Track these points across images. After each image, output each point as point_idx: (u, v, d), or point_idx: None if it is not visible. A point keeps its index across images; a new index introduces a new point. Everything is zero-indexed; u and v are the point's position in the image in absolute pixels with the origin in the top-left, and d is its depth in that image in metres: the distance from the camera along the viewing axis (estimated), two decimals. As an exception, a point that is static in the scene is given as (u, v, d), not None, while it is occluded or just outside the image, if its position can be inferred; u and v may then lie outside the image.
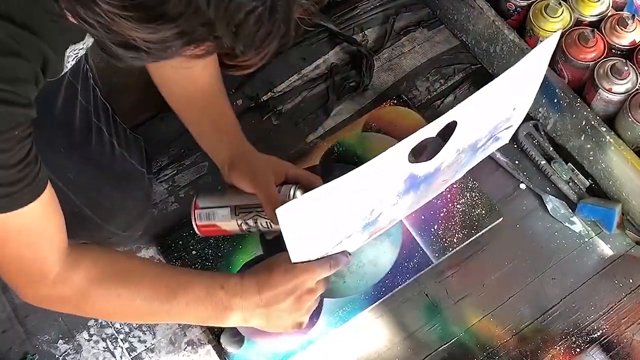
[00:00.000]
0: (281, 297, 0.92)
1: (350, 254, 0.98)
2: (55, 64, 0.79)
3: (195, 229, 1.06)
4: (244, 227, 1.03)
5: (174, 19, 0.58)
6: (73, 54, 0.84)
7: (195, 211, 1.05)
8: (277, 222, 0.85)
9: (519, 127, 1.32)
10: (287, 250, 0.89)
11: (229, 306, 0.92)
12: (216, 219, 1.04)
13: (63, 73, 0.86)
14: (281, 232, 0.83)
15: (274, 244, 1.21)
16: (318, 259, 0.94)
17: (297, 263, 0.92)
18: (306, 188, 1.04)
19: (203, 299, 0.91)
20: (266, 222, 1.03)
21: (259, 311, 0.93)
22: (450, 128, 0.88)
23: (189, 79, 1.05)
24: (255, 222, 1.03)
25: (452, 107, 1.33)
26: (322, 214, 0.86)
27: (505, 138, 1.09)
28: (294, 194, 1.02)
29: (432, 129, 0.84)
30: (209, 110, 1.07)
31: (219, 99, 1.08)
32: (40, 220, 0.80)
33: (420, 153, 0.94)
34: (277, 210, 0.79)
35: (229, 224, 1.04)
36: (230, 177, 1.05)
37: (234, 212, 1.03)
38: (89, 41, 0.86)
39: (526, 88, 0.97)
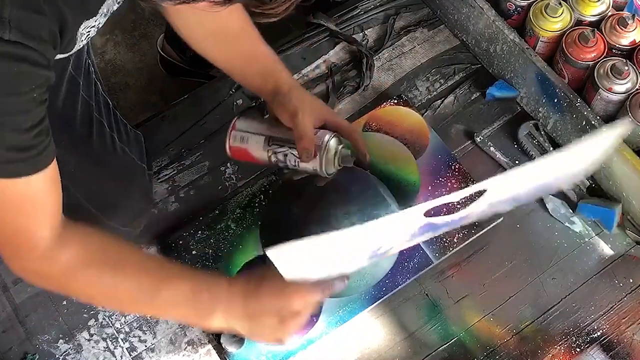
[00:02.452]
0: (265, 314, 0.88)
1: (348, 278, 0.91)
2: (71, 32, 0.78)
3: (227, 149, 1.05)
4: (273, 159, 1.02)
5: None
6: (85, 32, 0.84)
7: (232, 132, 1.04)
8: (306, 161, 0.81)
9: (519, 127, 1.33)
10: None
11: (212, 310, 0.88)
12: (249, 144, 1.03)
13: (71, 53, 0.86)
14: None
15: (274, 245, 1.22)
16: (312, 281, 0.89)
17: (290, 280, 0.86)
18: (341, 139, 1.03)
19: (186, 299, 0.88)
20: (295, 160, 1.01)
21: (242, 320, 0.90)
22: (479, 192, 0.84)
23: (214, 23, 1.03)
24: (285, 157, 1.01)
25: (452, 107, 1.37)
26: (321, 260, 0.81)
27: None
28: (327, 141, 1.00)
29: (454, 197, 0.81)
30: (245, 53, 1.05)
31: (252, 40, 1.05)
32: (41, 192, 0.80)
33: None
34: (268, 252, 0.76)
35: (260, 153, 1.03)
36: (272, 109, 1.03)
37: (267, 142, 1.02)
38: (100, 20, 0.86)
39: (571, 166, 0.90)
